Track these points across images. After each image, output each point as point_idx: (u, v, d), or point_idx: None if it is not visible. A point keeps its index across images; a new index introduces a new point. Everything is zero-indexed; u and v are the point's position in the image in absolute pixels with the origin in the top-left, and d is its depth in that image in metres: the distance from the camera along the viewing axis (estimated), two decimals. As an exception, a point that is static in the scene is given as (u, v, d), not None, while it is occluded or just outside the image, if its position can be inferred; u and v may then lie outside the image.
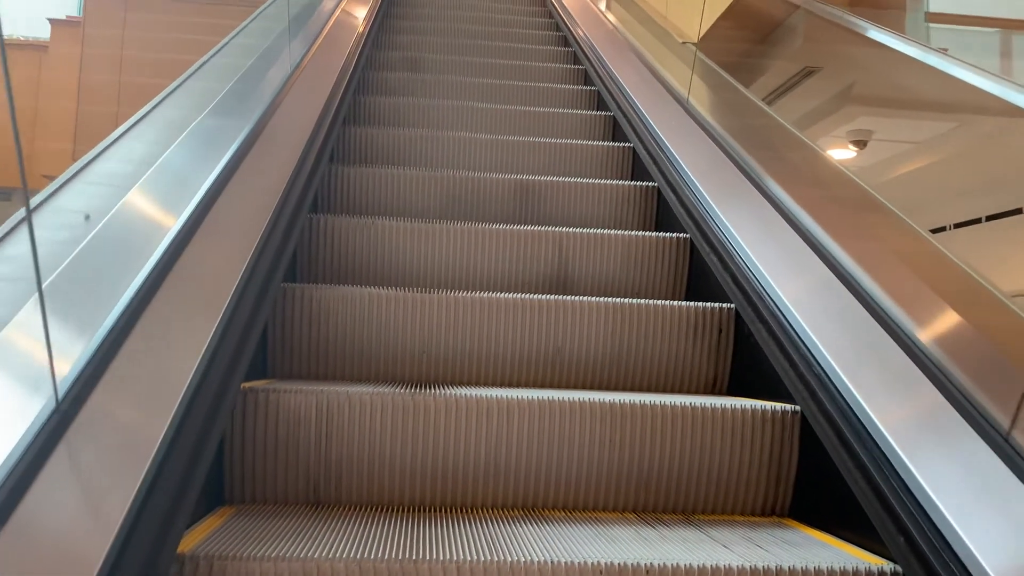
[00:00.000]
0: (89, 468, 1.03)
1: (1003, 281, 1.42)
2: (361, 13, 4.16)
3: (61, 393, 0.99)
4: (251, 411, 1.52)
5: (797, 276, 1.83)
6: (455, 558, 1.18)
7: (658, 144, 2.83)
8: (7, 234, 1.30)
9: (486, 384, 1.94)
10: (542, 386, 1.97)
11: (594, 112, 3.49)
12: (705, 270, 2.20)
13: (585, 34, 4.44)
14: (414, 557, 1.18)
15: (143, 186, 1.63)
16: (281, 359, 1.92)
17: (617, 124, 3.35)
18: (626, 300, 2.01)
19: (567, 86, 3.87)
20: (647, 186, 2.73)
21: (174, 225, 1.52)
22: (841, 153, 4.26)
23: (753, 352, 1.87)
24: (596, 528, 1.44)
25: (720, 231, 2.17)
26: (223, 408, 1.37)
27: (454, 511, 1.52)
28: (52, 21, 7.14)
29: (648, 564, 1.20)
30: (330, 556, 1.17)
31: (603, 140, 3.31)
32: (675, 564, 1.21)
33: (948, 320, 1.64)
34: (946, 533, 1.18)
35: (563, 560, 1.20)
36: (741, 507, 1.62)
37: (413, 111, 3.39)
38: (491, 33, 4.75)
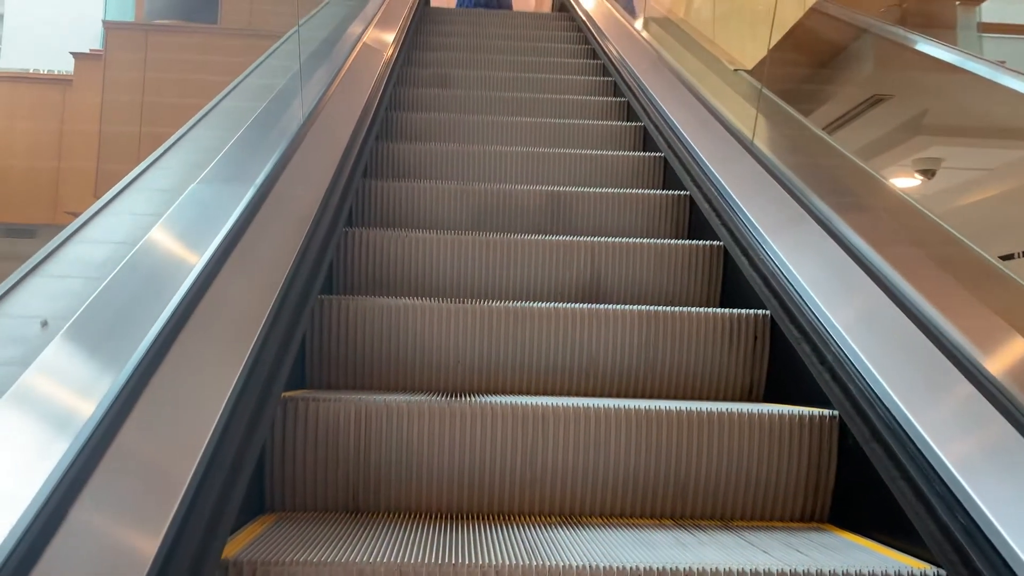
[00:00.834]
0: (136, 474, 1.06)
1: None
2: (390, 36, 4.22)
3: (115, 390, 1.02)
4: (291, 420, 1.55)
5: (834, 282, 1.82)
6: (494, 563, 1.19)
7: (710, 180, 2.80)
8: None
9: (521, 392, 1.95)
10: (576, 394, 1.98)
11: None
12: (739, 277, 2.19)
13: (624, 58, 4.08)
14: (453, 561, 1.19)
15: (182, 205, 1.67)
16: (319, 369, 1.95)
17: (669, 167, 3.04)
18: (659, 308, 2.01)
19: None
20: (679, 195, 2.73)
21: (215, 239, 1.56)
22: (906, 182, 4.02)
23: (790, 358, 1.86)
24: (634, 534, 1.44)
25: (754, 236, 2.17)
26: (264, 417, 1.39)
27: (491, 518, 1.53)
28: (75, 55, 7.21)
29: (687, 568, 1.20)
30: (371, 560, 1.19)
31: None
32: (714, 568, 1.21)
33: (992, 324, 1.62)
34: (991, 536, 1.17)
35: (601, 565, 1.20)
36: (780, 513, 1.61)
37: (444, 126, 3.43)
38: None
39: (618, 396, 1.97)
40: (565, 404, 1.60)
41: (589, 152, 3.13)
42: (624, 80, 3.91)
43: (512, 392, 1.96)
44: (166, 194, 1.64)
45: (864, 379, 1.55)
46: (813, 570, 1.21)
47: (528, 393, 1.95)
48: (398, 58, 4.08)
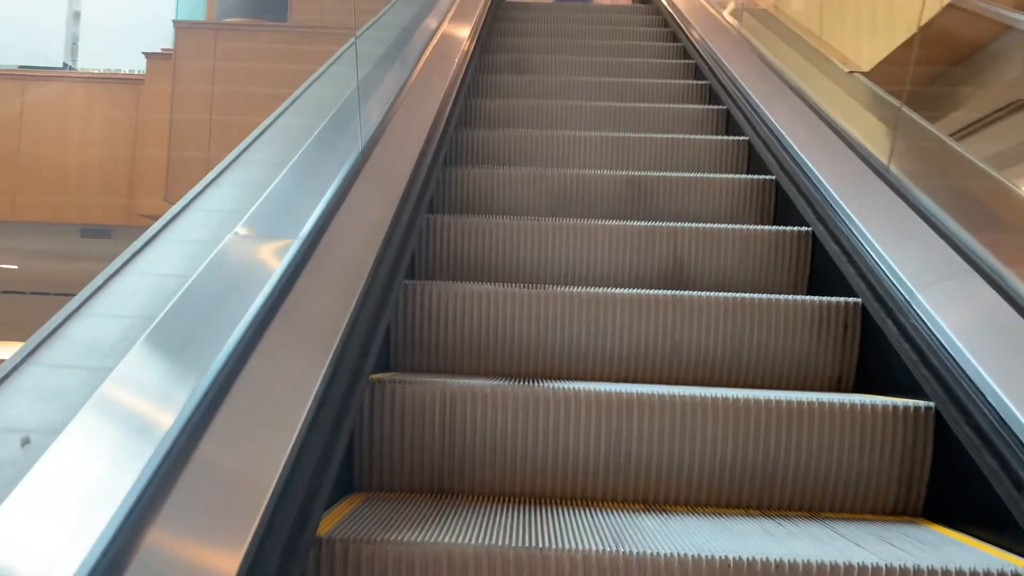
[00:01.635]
0: (237, 452, 1.09)
1: None
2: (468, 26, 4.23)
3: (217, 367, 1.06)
4: (378, 401, 1.57)
5: (930, 269, 1.76)
6: (581, 548, 1.19)
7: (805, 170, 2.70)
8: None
9: (603, 379, 1.95)
10: (659, 382, 1.96)
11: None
12: (829, 264, 2.13)
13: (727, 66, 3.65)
14: (540, 545, 1.20)
15: (273, 193, 1.71)
16: (403, 353, 1.98)
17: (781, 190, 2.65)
18: (745, 295, 1.97)
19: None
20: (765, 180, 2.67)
21: (306, 226, 1.59)
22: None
23: (882, 348, 1.80)
24: (720, 523, 1.42)
25: (846, 224, 2.10)
26: (354, 397, 1.42)
27: (575, 503, 1.53)
28: (147, 55, 7.30)
29: (777, 560, 1.18)
30: (459, 541, 1.20)
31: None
32: (806, 560, 1.18)
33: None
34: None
35: (690, 554, 1.19)
36: (871, 506, 1.57)
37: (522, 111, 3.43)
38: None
39: (702, 384, 1.94)
40: (650, 392, 1.58)
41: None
42: (725, 88, 3.50)
43: (594, 379, 1.95)
44: (251, 190, 1.69)
45: (963, 369, 1.49)
46: (911, 565, 1.18)
47: (610, 380, 1.94)
48: (476, 44, 4.09)
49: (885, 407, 1.57)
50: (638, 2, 6.55)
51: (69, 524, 0.83)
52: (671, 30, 4.91)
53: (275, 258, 1.43)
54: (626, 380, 1.96)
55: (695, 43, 4.22)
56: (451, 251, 2.35)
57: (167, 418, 1.04)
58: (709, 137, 3.11)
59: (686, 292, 1.98)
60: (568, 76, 3.93)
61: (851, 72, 2.96)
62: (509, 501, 1.52)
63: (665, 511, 1.50)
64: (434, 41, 3.32)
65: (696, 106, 3.54)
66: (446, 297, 1.99)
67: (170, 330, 1.21)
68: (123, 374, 1.09)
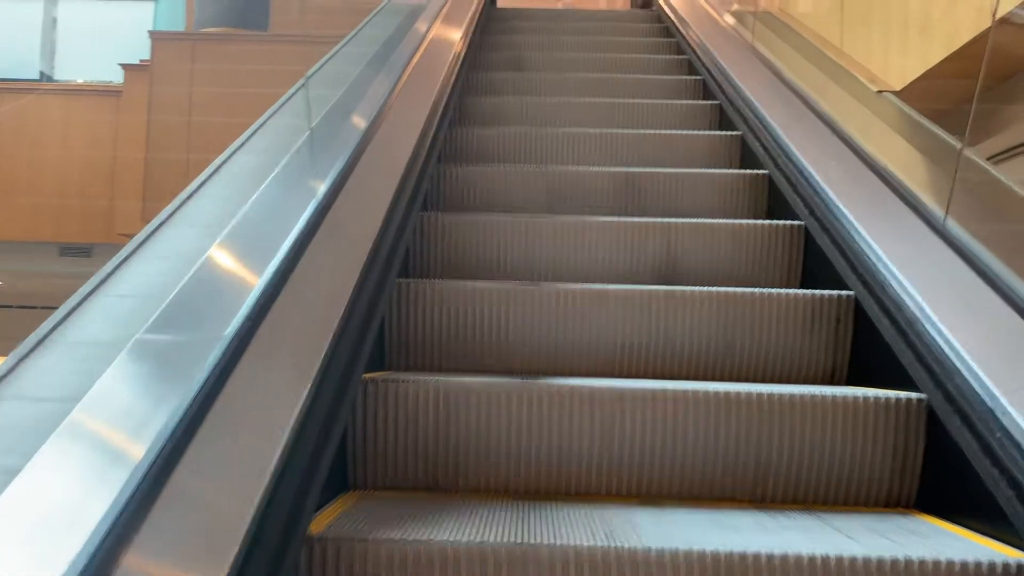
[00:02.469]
0: (226, 453, 1.10)
1: None
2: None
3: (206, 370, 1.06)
4: (372, 400, 1.58)
5: (922, 262, 1.76)
6: (573, 544, 1.20)
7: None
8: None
9: (596, 375, 1.95)
10: (653, 377, 1.96)
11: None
12: (822, 258, 2.14)
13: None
14: (533, 542, 1.20)
15: (265, 192, 1.71)
16: (397, 351, 1.98)
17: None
18: (737, 289, 1.98)
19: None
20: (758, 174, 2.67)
21: (297, 224, 1.59)
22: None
23: (873, 341, 1.81)
24: (714, 517, 1.43)
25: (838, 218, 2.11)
26: (346, 396, 1.42)
27: (568, 499, 1.53)
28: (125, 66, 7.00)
29: (769, 553, 1.19)
30: (452, 539, 1.20)
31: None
32: (798, 554, 1.18)
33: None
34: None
35: (681, 548, 1.19)
36: (864, 498, 1.57)
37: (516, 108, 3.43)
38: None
39: (696, 379, 1.95)
40: (643, 387, 1.59)
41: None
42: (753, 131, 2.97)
43: (588, 374, 1.96)
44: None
45: (954, 363, 1.50)
46: (901, 557, 1.18)
47: (604, 375, 1.94)
48: (473, 37, 4.08)
49: (877, 399, 1.57)
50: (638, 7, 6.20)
51: (63, 517, 0.83)
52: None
53: (263, 261, 1.43)
54: (620, 375, 1.96)
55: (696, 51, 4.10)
56: (445, 248, 2.35)
57: (154, 423, 1.04)
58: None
59: (678, 287, 1.98)
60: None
61: (880, 92, 2.63)
62: (503, 498, 1.52)
63: (658, 505, 1.50)
64: (425, 42, 3.32)
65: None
66: (440, 295, 1.99)
67: (161, 329, 1.21)
68: (122, 365, 1.10)
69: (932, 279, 1.71)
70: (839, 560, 1.18)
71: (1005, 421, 1.33)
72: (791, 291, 1.97)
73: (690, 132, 3.18)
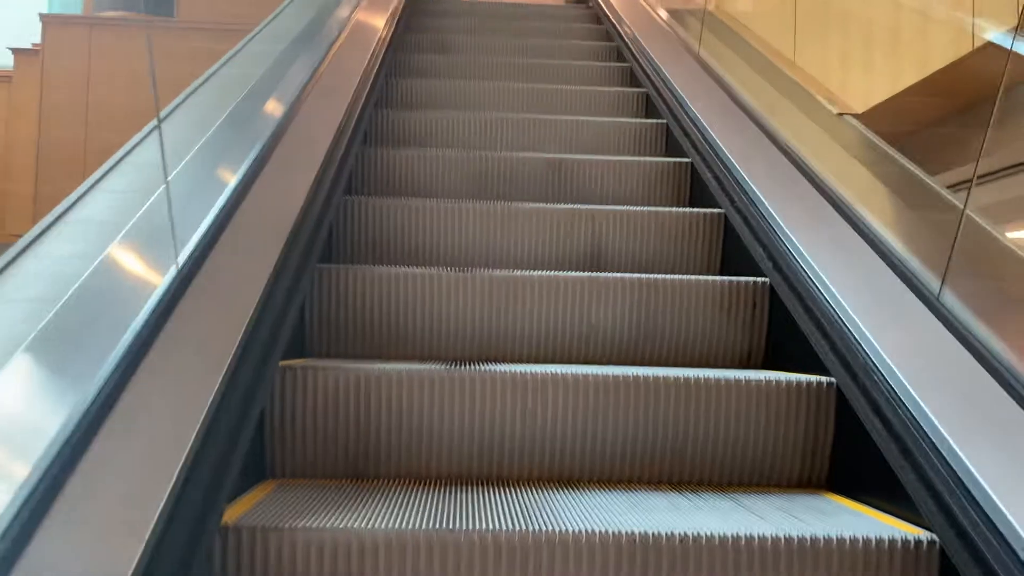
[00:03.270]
0: (136, 441, 1.07)
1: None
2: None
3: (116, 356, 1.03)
4: (290, 388, 1.55)
5: (835, 250, 1.82)
6: (491, 528, 1.21)
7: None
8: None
9: (521, 361, 1.96)
10: (576, 362, 1.98)
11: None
12: (739, 246, 2.19)
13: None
14: (450, 527, 1.21)
15: (182, 173, 1.67)
16: (319, 339, 1.96)
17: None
18: (658, 276, 2.01)
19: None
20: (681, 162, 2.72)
21: (211, 211, 1.56)
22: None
23: (787, 326, 1.86)
24: (630, 498, 1.45)
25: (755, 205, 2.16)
26: (263, 383, 1.40)
27: (491, 484, 1.54)
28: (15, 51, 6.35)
29: (682, 534, 1.22)
30: (369, 526, 1.20)
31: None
32: (708, 533, 1.22)
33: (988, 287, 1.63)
34: (984, 504, 1.18)
35: (598, 530, 1.21)
36: (777, 479, 1.62)
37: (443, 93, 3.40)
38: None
39: (618, 364, 1.98)
40: (564, 372, 1.60)
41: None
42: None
43: (512, 360, 1.96)
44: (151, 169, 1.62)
45: (863, 347, 1.55)
46: (807, 535, 1.23)
47: (528, 361, 1.95)
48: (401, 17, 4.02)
49: (790, 383, 1.62)
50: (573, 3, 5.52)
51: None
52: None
53: (177, 246, 1.39)
54: (543, 361, 1.97)
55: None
56: (370, 233, 2.32)
57: (63, 408, 1.01)
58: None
59: (601, 274, 2.00)
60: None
61: (841, 114, 2.47)
62: (425, 484, 1.52)
63: (578, 488, 1.52)
64: (350, 25, 3.27)
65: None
66: (362, 280, 1.97)
67: (69, 316, 1.17)
68: (33, 347, 1.06)
69: (844, 267, 1.76)
70: (748, 538, 1.22)
71: (909, 404, 1.39)
72: (709, 278, 2.01)
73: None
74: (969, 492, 1.20)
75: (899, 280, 1.64)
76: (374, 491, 1.46)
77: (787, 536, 1.22)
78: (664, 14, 3.89)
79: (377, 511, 1.31)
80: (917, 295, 1.60)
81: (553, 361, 1.98)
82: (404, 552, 1.19)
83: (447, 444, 1.59)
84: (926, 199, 2.00)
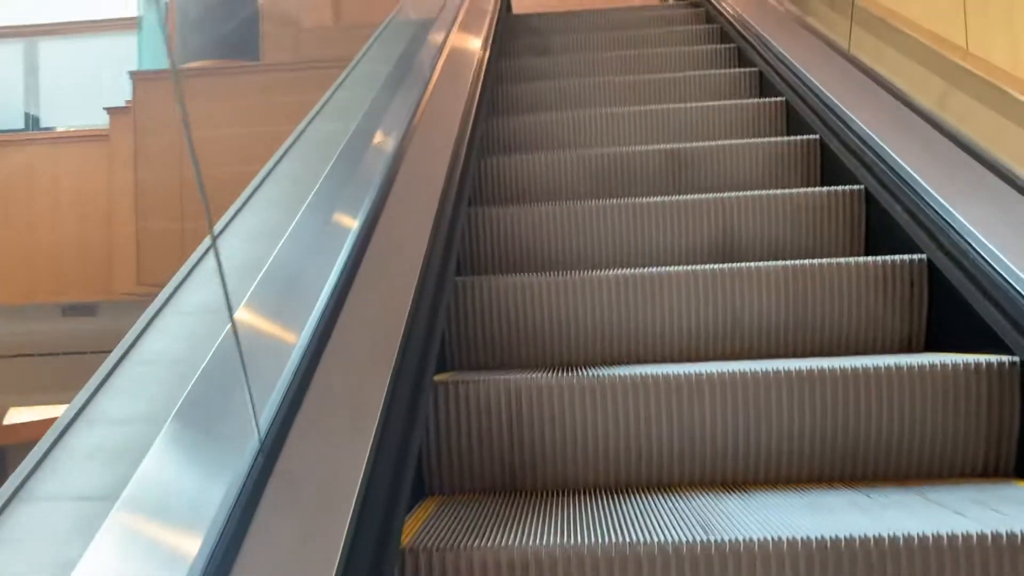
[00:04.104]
0: (312, 474, 1.08)
1: None
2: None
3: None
4: (442, 403, 1.55)
5: (999, 215, 1.69)
6: (671, 540, 1.16)
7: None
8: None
9: (664, 360, 1.90)
10: (722, 358, 1.91)
11: None
12: (887, 222, 2.06)
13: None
14: (629, 541, 1.17)
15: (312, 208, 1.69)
16: (459, 351, 1.95)
17: None
18: (803, 261, 1.91)
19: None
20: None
21: (347, 241, 1.57)
22: None
23: (953, 304, 1.74)
24: (807, 500, 1.38)
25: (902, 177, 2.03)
26: (420, 402, 1.40)
27: (652, 491, 1.49)
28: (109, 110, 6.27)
29: (876, 535, 1.14)
30: (546, 544, 1.17)
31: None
32: (906, 534, 1.13)
33: None
34: None
35: (785, 536, 1.14)
36: (960, 469, 1.51)
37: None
38: None
39: (767, 357, 1.89)
40: (718, 370, 1.54)
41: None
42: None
43: (655, 360, 1.91)
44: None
45: (1048, 320, 1.43)
46: (1017, 531, 1.13)
47: (672, 360, 1.90)
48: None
49: (967, 364, 1.51)
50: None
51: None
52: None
53: (322, 276, 1.41)
54: (688, 359, 1.91)
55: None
56: (495, 243, 2.31)
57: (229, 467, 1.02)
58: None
59: (742, 264, 1.93)
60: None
61: None
62: (584, 494, 1.49)
63: (747, 491, 1.46)
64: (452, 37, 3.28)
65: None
66: (496, 291, 1.96)
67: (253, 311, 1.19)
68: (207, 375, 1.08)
69: (1018, 236, 1.63)
70: (952, 538, 1.13)
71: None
72: (859, 259, 1.90)
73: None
74: None
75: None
76: (535, 503, 1.43)
77: (995, 532, 1.13)
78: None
79: (544, 525, 1.28)
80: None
81: (698, 359, 1.91)
82: (583, 568, 1.15)
83: (603, 452, 1.55)
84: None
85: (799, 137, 2.63)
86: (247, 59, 6.28)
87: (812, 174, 2.60)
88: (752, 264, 1.92)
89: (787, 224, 2.25)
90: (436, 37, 3.09)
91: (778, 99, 2.98)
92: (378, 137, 2.21)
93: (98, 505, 0.91)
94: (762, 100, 3.02)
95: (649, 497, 1.44)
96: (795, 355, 1.89)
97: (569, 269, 2.22)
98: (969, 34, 2.30)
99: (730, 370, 1.53)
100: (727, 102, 3.02)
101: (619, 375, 1.56)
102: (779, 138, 2.68)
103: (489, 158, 2.71)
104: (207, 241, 1.46)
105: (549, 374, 1.59)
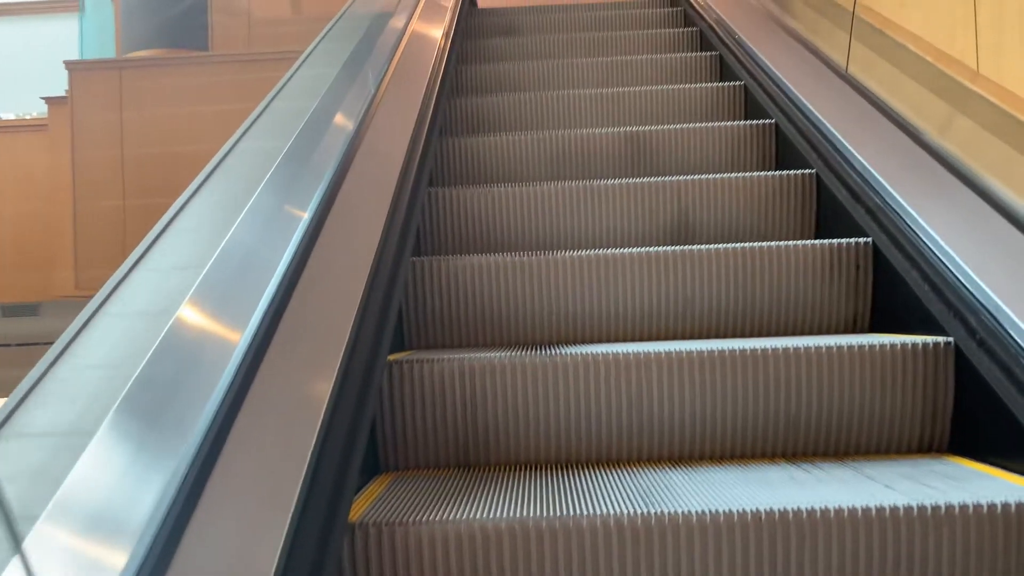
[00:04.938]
0: (262, 451, 1.10)
1: None
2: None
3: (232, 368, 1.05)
4: (397, 381, 1.57)
5: (940, 202, 1.74)
6: (613, 512, 1.20)
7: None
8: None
9: (617, 340, 1.94)
10: (674, 338, 1.95)
11: None
12: (836, 206, 2.12)
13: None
14: (572, 513, 1.20)
15: (272, 181, 1.69)
16: (416, 330, 1.98)
17: None
18: (754, 244, 1.96)
19: None
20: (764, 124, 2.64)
21: (305, 216, 1.58)
22: None
23: (896, 285, 1.79)
24: (749, 475, 1.42)
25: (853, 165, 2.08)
26: (374, 379, 1.42)
27: (601, 466, 1.53)
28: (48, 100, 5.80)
29: (809, 508, 1.19)
30: (492, 516, 1.21)
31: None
32: (837, 507, 1.18)
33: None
34: None
35: (722, 509, 1.19)
36: (896, 445, 1.57)
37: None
38: None
39: (717, 337, 1.94)
40: (667, 349, 1.58)
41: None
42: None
43: (609, 340, 1.95)
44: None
45: (982, 303, 1.48)
46: (942, 503, 1.18)
47: (625, 340, 1.94)
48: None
49: (904, 345, 1.56)
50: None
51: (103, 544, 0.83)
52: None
53: (278, 250, 1.42)
54: (641, 339, 1.95)
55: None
56: (454, 223, 2.33)
57: (193, 418, 1.04)
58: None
59: (694, 246, 1.97)
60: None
61: None
62: (535, 469, 1.53)
63: (692, 466, 1.50)
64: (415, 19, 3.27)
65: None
66: (454, 271, 1.98)
67: (197, 312, 1.20)
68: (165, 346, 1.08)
69: (958, 222, 1.69)
70: (880, 510, 1.18)
71: (1036, 358, 1.32)
72: (807, 242, 1.95)
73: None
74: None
75: (1021, 234, 1.56)
76: (487, 479, 1.46)
77: (920, 505, 1.18)
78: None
79: (494, 499, 1.32)
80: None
81: (651, 339, 1.96)
82: (528, 540, 1.19)
83: (554, 429, 1.59)
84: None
85: (756, 121, 2.68)
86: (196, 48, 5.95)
87: (768, 158, 2.65)
88: (704, 247, 1.96)
89: (742, 207, 2.30)
90: (397, 22, 3.08)
91: (737, 83, 3.02)
92: (338, 118, 2.21)
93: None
94: (722, 84, 3.06)
95: (597, 472, 1.48)
96: (745, 335, 1.94)
97: (527, 250, 2.25)
98: (980, 52, 1.94)
99: (678, 349, 1.58)
100: (687, 86, 3.06)
101: (571, 354, 1.59)
102: (737, 122, 2.73)
103: (450, 139, 2.72)
104: (150, 236, 1.45)
105: (503, 353, 1.62)
